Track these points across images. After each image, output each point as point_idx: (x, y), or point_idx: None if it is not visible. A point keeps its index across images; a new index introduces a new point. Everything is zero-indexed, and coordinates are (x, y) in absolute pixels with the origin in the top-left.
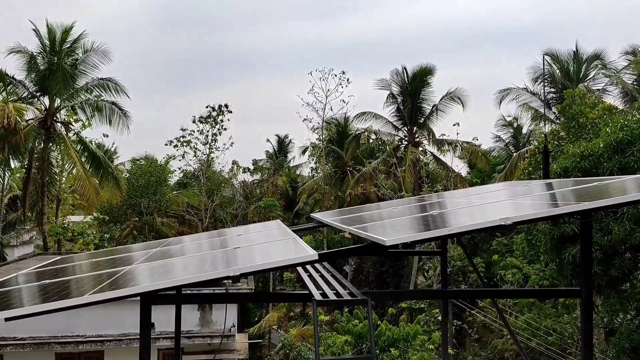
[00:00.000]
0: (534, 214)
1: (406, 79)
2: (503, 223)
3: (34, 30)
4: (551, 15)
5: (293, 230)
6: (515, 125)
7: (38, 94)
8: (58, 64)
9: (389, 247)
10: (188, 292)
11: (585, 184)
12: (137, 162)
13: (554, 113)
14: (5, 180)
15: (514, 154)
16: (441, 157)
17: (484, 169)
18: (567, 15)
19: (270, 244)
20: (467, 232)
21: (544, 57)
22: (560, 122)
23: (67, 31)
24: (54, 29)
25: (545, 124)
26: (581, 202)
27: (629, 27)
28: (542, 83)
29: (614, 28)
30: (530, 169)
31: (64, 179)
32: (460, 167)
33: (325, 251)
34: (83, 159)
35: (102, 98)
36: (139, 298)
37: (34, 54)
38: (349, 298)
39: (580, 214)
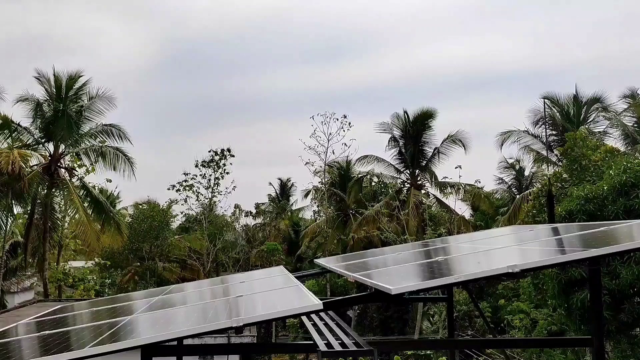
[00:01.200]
0: (541, 261)
1: (407, 122)
2: (511, 271)
3: (40, 78)
4: (549, 58)
5: (297, 277)
6: (517, 167)
7: (43, 140)
8: (63, 111)
9: (395, 295)
10: (190, 342)
11: (592, 228)
12: (140, 206)
13: (556, 155)
14: (8, 227)
15: (517, 196)
16: (444, 199)
17: (488, 211)
18: (565, 59)
19: (273, 292)
20: (474, 280)
21: (544, 101)
22: (563, 165)
23: (73, 79)
24: (60, 76)
25: (547, 167)
26: (589, 249)
27: (627, 71)
28: (542, 126)
29: (612, 71)
30: (535, 211)
31: (66, 224)
32: (464, 209)
33: (330, 299)
34: (85, 204)
35: (106, 144)
36: (139, 350)
37: (40, 101)
38: (355, 349)
39: (589, 261)
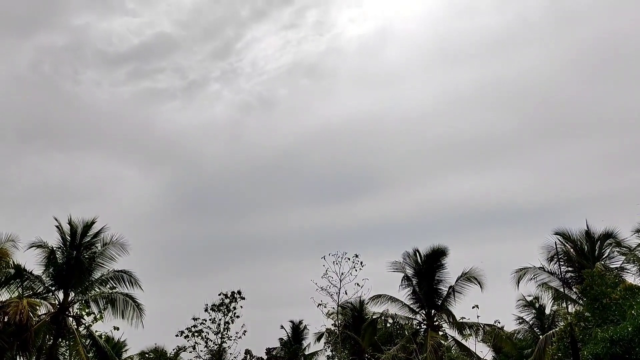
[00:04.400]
0: None
1: (419, 260)
2: None
3: (57, 226)
4: (558, 193)
5: None
6: (537, 305)
7: (53, 289)
8: (77, 258)
9: None
10: None
11: None
12: (147, 355)
13: (575, 293)
14: None
15: (540, 336)
16: (463, 341)
17: (511, 352)
18: (574, 193)
19: None
20: None
21: (555, 242)
22: (583, 302)
23: (87, 226)
24: (75, 224)
25: (567, 306)
26: None
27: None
28: (557, 262)
29: (621, 204)
30: (560, 354)
31: None
32: (485, 352)
33: None
34: (90, 355)
35: (116, 290)
36: None
37: (54, 248)
38: None
39: None
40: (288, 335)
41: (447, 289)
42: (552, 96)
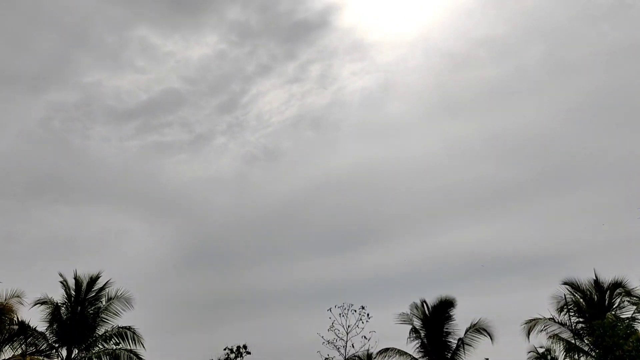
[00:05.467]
0: None
1: (427, 312)
2: None
3: (61, 282)
4: (564, 241)
5: None
6: (549, 357)
7: (57, 345)
8: (81, 314)
9: None
10: None
11: None
12: None
13: (587, 344)
14: None
15: None
16: None
17: None
18: (580, 242)
19: None
20: None
21: (565, 295)
22: (596, 355)
23: (92, 280)
24: (81, 278)
25: (579, 358)
26: None
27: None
28: (567, 313)
29: (629, 253)
30: None
31: None
32: None
33: None
34: None
35: (120, 347)
36: None
37: (59, 303)
38: None
39: None
40: None
41: (456, 341)
42: (552, 146)
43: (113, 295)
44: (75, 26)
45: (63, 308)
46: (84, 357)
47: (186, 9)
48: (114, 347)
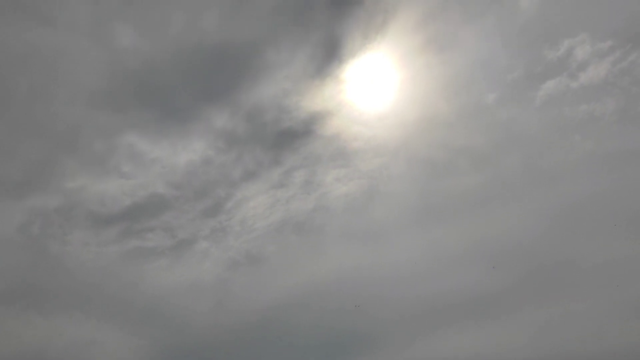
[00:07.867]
0: None
1: None
2: None
3: None
4: (556, 349)
5: None
6: None
7: None
8: None
9: None
10: None
11: None
12: None
13: None
14: None
15: None
16: None
17: None
18: (571, 350)
19: None
20: None
21: None
22: None
23: None
24: None
25: None
26: None
27: None
28: None
29: None
30: None
31: None
32: None
33: None
34: None
35: None
36: None
37: None
38: None
39: None
40: None
41: None
42: (536, 253)
43: None
44: (65, 133)
45: None
46: None
47: (175, 117)
48: None
